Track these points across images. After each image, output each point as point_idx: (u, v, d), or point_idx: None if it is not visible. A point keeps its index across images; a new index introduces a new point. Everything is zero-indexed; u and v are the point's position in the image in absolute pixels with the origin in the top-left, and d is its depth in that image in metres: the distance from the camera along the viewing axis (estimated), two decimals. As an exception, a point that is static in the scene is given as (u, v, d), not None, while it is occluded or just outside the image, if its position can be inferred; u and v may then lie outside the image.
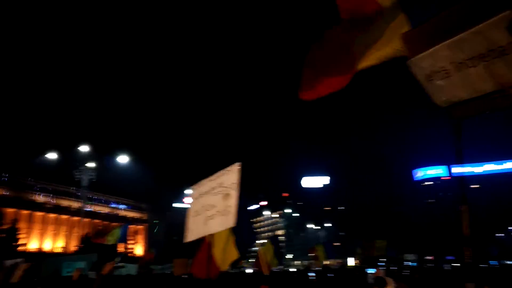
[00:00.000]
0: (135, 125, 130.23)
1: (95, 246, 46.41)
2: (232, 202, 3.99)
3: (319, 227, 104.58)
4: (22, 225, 57.01)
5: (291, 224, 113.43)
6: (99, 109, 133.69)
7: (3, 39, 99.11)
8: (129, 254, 64.90)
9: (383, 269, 17.15)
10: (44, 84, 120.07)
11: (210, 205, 4.27)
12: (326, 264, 19.62)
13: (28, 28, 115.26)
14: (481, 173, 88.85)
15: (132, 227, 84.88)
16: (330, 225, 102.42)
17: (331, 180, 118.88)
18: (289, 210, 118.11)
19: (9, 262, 8.68)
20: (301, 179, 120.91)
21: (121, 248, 56.74)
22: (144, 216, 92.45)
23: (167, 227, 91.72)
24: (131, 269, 21.08)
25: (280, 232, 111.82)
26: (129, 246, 73.13)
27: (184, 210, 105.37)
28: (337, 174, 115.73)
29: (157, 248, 21.94)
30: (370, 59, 3.09)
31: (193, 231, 4.45)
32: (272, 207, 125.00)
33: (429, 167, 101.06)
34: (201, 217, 4.35)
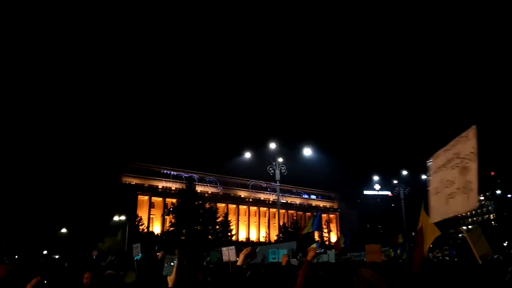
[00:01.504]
0: (320, 116, 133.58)
1: (293, 235, 49.88)
2: (472, 177, 3.32)
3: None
4: (231, 217, 65.51)
5: (504, 207, 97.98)
6: (284, 106, 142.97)
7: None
8: (326, 243, 67.42)
9: None
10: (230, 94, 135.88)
11: (448, 181, 3.72)
12: None
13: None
14: None
15: (324, 216, 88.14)
16: None
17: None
18: (499, 191, 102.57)
19: (224, 249, 10.82)
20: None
21: (316, 236, 59.42)
22: (334, 205, 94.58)
23: (359, 215, 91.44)
24: (330, 255, 21.74)
25: (491, 216, 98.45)
26: (325, 234, 76.03)
27: (375, 196, 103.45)
28: None
29: (350, 235, 21.92)
30: None
31: (437, 211, 3.97)
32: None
33: None
34: (442, 194, 3.85)
